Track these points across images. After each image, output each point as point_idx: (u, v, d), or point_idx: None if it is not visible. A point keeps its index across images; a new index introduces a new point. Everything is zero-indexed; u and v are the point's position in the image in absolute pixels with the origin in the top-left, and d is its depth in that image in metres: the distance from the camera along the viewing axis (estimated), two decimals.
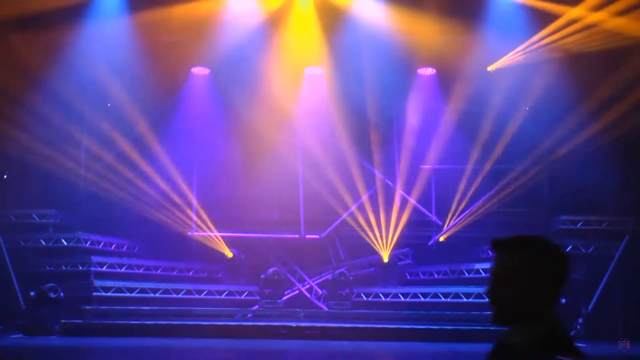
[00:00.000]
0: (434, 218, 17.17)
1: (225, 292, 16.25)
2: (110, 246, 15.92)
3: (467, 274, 16.12)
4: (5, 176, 15.57)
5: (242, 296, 16.13)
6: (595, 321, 13.89)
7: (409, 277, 16.84)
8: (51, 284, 14.22)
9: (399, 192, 17.06)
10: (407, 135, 16.77)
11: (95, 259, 15.39)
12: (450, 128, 16.48)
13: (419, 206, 17.17)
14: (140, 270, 16.08)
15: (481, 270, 15.81)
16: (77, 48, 15.00)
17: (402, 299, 15.85)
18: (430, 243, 17.12)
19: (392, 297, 15.93)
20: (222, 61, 16.00)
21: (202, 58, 16.45)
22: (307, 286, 17.06)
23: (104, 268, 15.48)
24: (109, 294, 15.19)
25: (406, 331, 13.85)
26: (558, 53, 14.78)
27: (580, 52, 14.40)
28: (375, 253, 16.88)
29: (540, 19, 14.67)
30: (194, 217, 17.14)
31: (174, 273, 16.46)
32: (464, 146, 16.54)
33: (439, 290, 15.71)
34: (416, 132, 16.67)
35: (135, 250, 16.43)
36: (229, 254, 16.61)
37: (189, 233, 17.04)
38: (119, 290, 15.33)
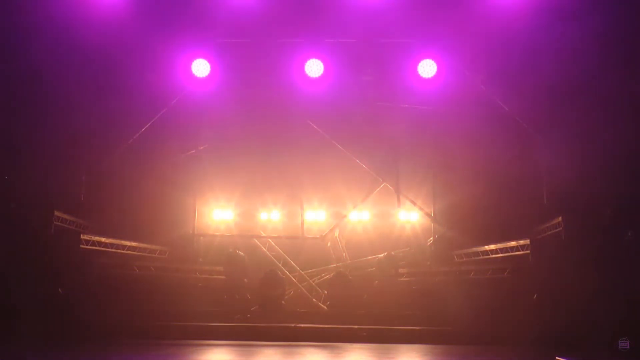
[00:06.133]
0: (434, 218, 17.18)
1: (225, 293, 16.25)
2: (112, 247, 15.89)
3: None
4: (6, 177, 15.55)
5: (242, 296, 16.11)
6: (595, 322, 13.88)
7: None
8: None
9: (399, 193, 17.05)
10: (407, 135, 16.76)
11: (95, 259, 15.38)
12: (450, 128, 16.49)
13: (420, 207, 17.17)
14: (141, 271, 16.08)
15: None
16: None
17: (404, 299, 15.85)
18: (430, 243, 17.16)
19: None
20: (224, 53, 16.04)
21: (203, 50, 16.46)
22: (307, 286, 17.07)
23: (103, 268, 15.45)
24: (108, 294, 15.17)
25: (407, 332, 13.85)
26: None
27: None
28: (375, 253, 16.91)
29: None
30: (196, 217, 17.19)
31: (174, 273, 16.45)
32: (464, 146, 16.51)
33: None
34: (416, 132, 16.68)
35: (135, 251, 16.41)
36: (232, 254, 16.57)
37: (190, 233, 17.08)
38: (118, 290, 15.30)
